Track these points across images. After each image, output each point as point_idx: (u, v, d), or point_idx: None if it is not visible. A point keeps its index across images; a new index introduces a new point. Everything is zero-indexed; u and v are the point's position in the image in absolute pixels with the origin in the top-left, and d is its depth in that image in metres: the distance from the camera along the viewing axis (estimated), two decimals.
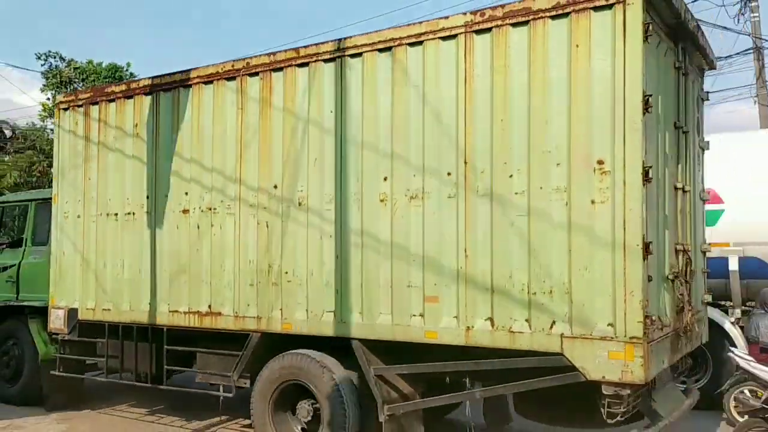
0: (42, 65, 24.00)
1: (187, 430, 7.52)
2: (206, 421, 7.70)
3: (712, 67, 6.66)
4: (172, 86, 7.07)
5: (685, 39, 5.67)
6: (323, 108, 5.99)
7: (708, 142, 6.64)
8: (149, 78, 7.32)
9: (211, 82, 6.78)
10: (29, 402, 8.38)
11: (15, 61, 35.39)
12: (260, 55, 6.45)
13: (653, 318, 4.64)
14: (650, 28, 4.62)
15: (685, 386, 6.56)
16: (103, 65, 23.79)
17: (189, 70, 6.93)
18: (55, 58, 23.88)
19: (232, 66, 6.64)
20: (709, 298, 6.60)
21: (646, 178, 4.54)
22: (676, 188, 5.50)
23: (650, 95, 4.59)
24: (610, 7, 4.67)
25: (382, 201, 5.62)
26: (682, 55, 5.64)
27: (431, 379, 5.86)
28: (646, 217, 4.61)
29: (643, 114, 4.54)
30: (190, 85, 6.92)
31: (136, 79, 7.43)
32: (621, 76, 4.60)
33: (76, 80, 23.17)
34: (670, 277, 5.29)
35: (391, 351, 5.71)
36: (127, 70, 23.88)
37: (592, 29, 4.74)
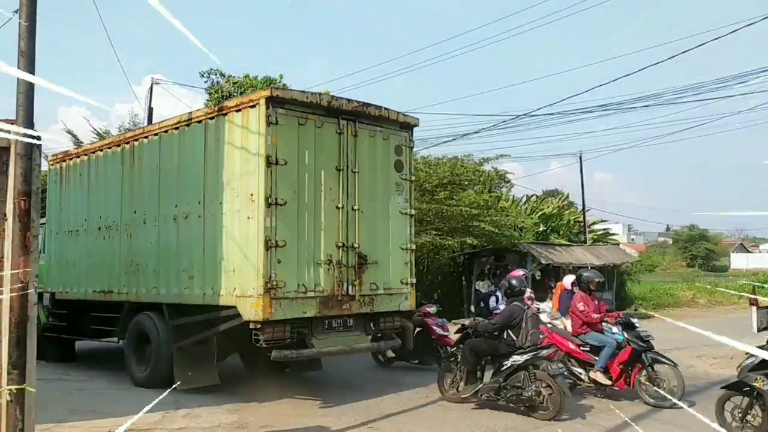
0: (205, 82, 24.79)
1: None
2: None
3: (413, 125, 9.70)
4: (74, 156, 11.35)
5: (351, 115, 8.88)
6: (152, 165, 9.85)
7: (412, 175, 9.70)
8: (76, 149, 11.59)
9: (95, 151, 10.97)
10: (39, 358, 12.79)
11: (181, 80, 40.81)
12: (136, 130, 10.45)
13: (276, 283, 7.95)
14: (272, 117, 8.01)
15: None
16: (258, 78, 24.21)
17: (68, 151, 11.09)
18: (216, 74, 24.59)
19: (122, 136, 10.73)
20: (412, 279, 9.60)
21: (270, 203, 7.93)
22: (337, 207, 8.72)
23: (270, 155, 7.97)
24: (255, 106, 8.15)
25: (174, 220, 9.36)
26: (345, 125, 8.85)
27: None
28: (276, 226, 7.99)
29: (268, 167, 7.95)
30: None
31: (74, 148, 11.66)
32: (257, 145, 8.06)
33: (235, 94, 22.89)
34: (326, 262, 8.54)
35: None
36: (279, 81, 23.96)
37: (249, 118, 8.25)
